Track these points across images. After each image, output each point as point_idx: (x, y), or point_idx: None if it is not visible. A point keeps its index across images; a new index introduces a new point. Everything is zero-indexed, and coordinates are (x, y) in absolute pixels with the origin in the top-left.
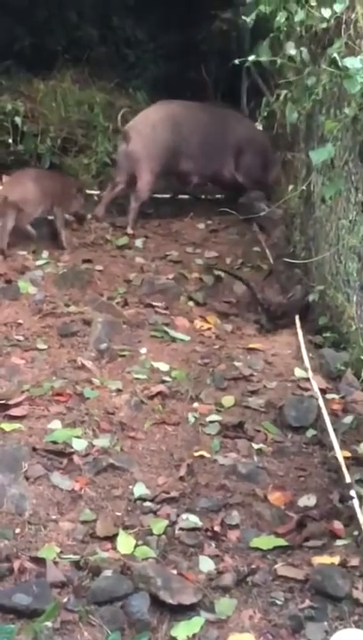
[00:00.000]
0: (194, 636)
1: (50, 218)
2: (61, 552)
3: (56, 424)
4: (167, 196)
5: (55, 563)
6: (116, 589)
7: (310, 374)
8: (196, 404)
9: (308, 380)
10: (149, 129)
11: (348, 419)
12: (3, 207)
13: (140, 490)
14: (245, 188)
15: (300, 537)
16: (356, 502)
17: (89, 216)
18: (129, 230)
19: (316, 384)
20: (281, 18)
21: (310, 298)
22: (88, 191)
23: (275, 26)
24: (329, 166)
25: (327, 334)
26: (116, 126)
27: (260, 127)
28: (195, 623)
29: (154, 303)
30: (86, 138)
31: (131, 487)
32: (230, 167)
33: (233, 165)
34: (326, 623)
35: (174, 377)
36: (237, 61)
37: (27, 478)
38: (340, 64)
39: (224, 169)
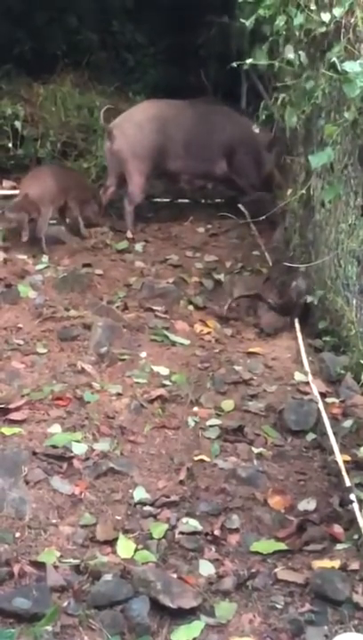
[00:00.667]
0: None
1: (52, 222)
2: (61, 556)
3: (56, 428)
4: (167, 200)
5: (55, 567)
6: (117, 593)
7: (310, 378)
8: (196, 408)
9: (308, 383)
10: (136, 129)
11: (348, 422)
12: (23, 204)
13: (140, 494)
14: (239, 184)
15: (300, 541)
16: (356, 506)
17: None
18: (129, 234)
19: (316, 388)
20: (280, 22)
21: (309, 299)
22: None
23: (274, 30)
24: (329, 170)
25: (327, 338)
26: None
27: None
28: (195, 627)
29: (154, 307)
30: (86, 142)
31: (131, 491)
32: (222, 165)
33: (225, 163)
34: (326, 627)
35: (174, 381)
36: (235, 64)
37: (27, 482)
38: (339, 68)
39: (215, 167)
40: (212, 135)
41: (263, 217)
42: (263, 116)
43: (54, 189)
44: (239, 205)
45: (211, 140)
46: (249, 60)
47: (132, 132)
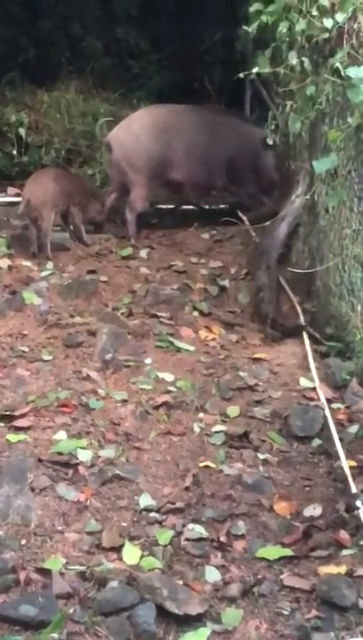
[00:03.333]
0: None
1: (56, 228)
2: (67, 563)
3: (61, 435)
4: (171, 206)
5: (61, 574)
6: (123, 600)
7: (317, 384)
8: (201, 415)
9: (313, 389)
10: (132, 139)
11: (353, 428)
12: (26, 210)
13: (145, 500)
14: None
15: (306, 547)
16: (362, 512)
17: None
18: (132, 241)
19: (322, 394)
20: (283, 28)
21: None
22: None
23: (277, 36)
24: (333, 176)
25: (333, 344)
26: None
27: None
28: (201, 634)
29: (159, 313)
30: (90, 149)
31: (136, 498)
32: (223, 177)
33: (225, 173)
34: (332, 633)
35: (179, 387)
36: (241, 75)
37: (32, 489)
38: (343, 74)
39: (216, 179)
40: (214, 145)
41: (267, 223)
42: (272, 126)
43: (56, 193)
44: (239, 212)
45: (214, 150)
46: (255, 70)
47: (128, 143)
